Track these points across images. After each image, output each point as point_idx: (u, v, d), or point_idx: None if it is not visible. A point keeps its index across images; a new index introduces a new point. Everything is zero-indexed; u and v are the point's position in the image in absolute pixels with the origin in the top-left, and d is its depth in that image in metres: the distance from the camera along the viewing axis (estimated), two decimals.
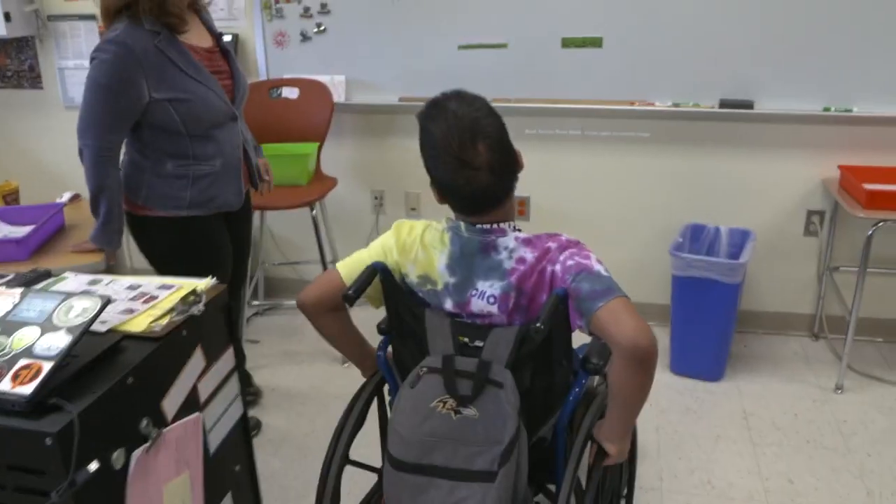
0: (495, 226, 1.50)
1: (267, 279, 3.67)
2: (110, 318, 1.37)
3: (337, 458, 1.57)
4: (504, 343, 1.42)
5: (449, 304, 1.51)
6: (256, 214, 3.16)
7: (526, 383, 1.45)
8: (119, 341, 1.31)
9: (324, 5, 3.14)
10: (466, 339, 1.47)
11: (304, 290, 1.65)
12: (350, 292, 1.50)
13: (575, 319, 1.43)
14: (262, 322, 3.51)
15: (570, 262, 1.43)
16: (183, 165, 2.15)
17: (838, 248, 3.10)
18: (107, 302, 1.28)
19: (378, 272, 1.55)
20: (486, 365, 1.40)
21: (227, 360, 1.57)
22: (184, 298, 1.43)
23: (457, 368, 1.40)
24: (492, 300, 1.47)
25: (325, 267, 3.05)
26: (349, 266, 1.61)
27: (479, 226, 1.50)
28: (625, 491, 1.88)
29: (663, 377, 2.93)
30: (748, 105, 2.92)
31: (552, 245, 1.47)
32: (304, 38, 3.21)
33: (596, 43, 2.94)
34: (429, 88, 3.10)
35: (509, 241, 1.49)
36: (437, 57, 3.06)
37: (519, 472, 1.38)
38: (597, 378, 1.69)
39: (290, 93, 3.15)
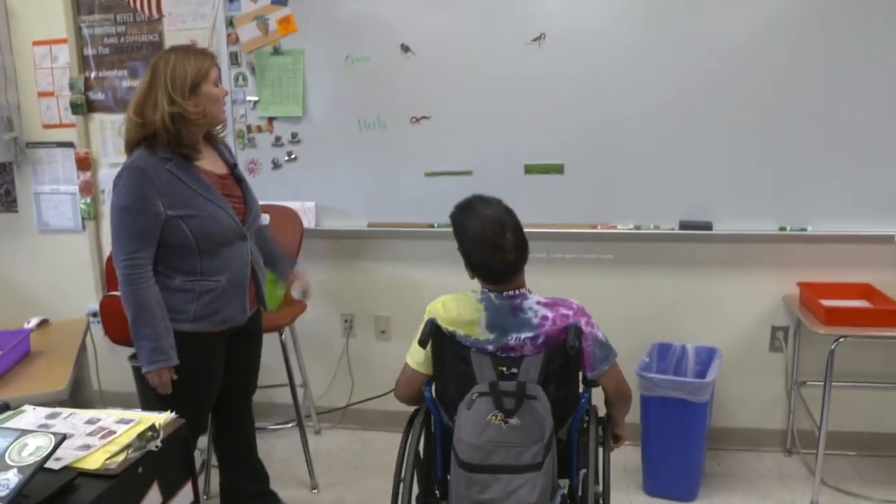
0: (517, 291, 1.99)
1: None
2: (66, 455, 1.36)
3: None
4: (534, 367, 1.90)
5: (490, 348, 1.96)
6: None
7: (552, 395, 1.89)
8: (73, 480, 1.30)
9: (294, 135, 3.25)
10: (504, 368, 1.92)
11: (396, 389, 2.16)
12: (423, 338, 1.97)
13: (587, 369, 2.00)
14: None
15: (588, 329, 1.97)
16: (190, 280, 2.24)
17: (804, 363, 3.14)
18: (61, 440, 1.28)
19: (434, 325, 1.99)
20: (523, 385, 1.86)
21: (185, 495, 1.55)
22: (141, 434, 1.43)
23: (501, 390, 1.86)
24: (525, 340, 1.94)
25: (293, 390, 3.04)
26: (413, 354, 2.07)
27: (505, 293, 1.98)
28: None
29: (637, 499, 2.89)
30: (707, 226, 3.01)
31: (569, 312, 1.97)
32: (276, 165, 3.30)
33: (558, 169, 3.05)
34: (397, 214, 3.21)
35: (531, 302, 1.98)
36: (405, 184, 3.15)
37: (554, 463, 1.88)
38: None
39: (262, 219, 3.20)
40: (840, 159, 2.88)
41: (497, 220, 1.94)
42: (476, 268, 2.00)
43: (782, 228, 2.98)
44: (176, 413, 2.10)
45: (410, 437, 2.05)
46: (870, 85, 2.81)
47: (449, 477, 1.97)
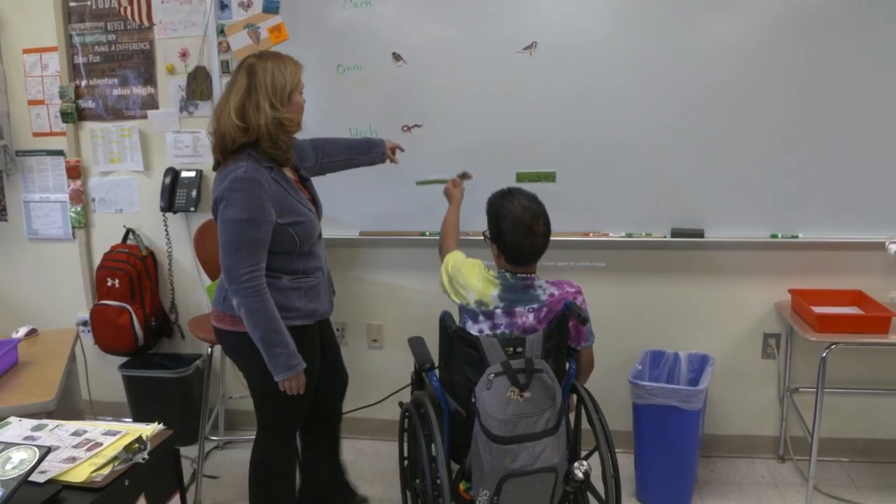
0: (530, 276, 2.29)
1: (228, 412, 3.60)
2: (51, 468, 1.35)
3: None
4: (537, 344, 2.16)
5: (499, 314, 2.25)
6: (217, 347, 3.15)
7: (552, 366, 2.15)
8: (58, 493, 1.29)
9: None
10: (511, 349, 2.14)
11: (446, 251, 2.53)
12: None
13: (580, 341, 2.34)
14: (221, 456, 3.42)
15: (584, 307, 2.28)
16: (296, 279, 2.33)
17: (796, 370, 3.14)
18: (46, 453, 1.27)
19: (442, 319, 2.28)
20: (530, 361, 2.11)
21: None
22: (128, 446, 1.42)
23: (514, 368, 2.08)
24: (531, 311, 2.24)
25: None
26: (458, 259, 2.41)
27: (519, 275, 2.27)
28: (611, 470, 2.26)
29: None
30: (699, 234, 3.01)
31: (571, 289, 2.29)
32: None
33: (549, 177, 3.05)
34: (389, 223, 3.21)
35: (541, 283, 2.28)
36: (396, 192, 3.14)
37: (567, 424, 2.23)
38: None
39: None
40: (831, 167, 2.89)
41: (534, 209, 2.26)
42: (507, 246, 2.25)
43: (774, 236, 2.99)
44: (287, 410, 2.41)
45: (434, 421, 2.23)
46: (859, 94, 2.82)
47: (465, 459, 2.19)
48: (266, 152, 2.24)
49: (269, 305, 2.21)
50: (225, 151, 2.26)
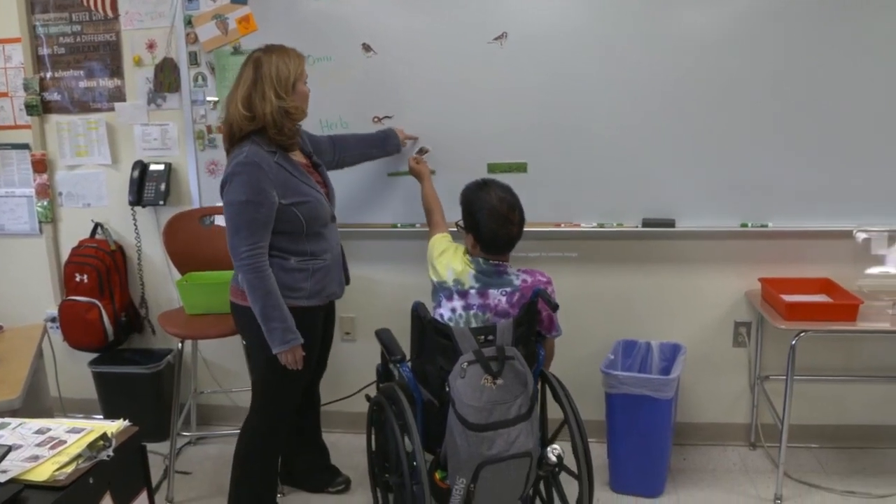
0: (503, 263, 2.37)
1: (200, 407, 3.57)
2: (12, 467, 1.32)
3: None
4: (507, 331, 2.22)
5: (473, 294, 2.33)
6: (188, 343, 3.12)
7: (522, 352, 2.20)
8: (20, 492, 1.26)
9: None
10: (482, 337, 2.20)
11: (433, 227, 2.72)
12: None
13: (551, 330, 2.43)
14: (194, 452, 3.39)
15: (553, 297, 2.32)
16: (303, 260, 2.45)
17: (767, 358, 3.17)
18: (6, 452, 1.24)
19: (415, 309, 2.33)
20: (502, 348, 2.16)
21: None
22: (92, 444, 1.39)
23: (486, 356, 2.13)
24: (504, 294, 2.32)
25: None
26: (443, 240, 2.53)
27: (492, 262, 2.35)
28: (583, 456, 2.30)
29: (603, 496, 2.90)
30: (670, 223, 3.03)
31: (542, 279, 2.38)
32: None
33: (521, 168, 3.05)
34: (360, 215, 3.19)
35: (513, 270, 2.37)
36: (368, 184, 3.12)
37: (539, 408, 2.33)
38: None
39: (222, 221, 3.15)
40: (800, 156, 2.91)
41: (510, 199, 2.34)
42: (483, 236, 2.32)
43: (744, 225, 3.01)
44: (284, 390, 2.50)
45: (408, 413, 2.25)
46: (829, 84, 2.84)
47: (440, 449, 2.21)
48: (272, 139, 2.38)
49: (268, 282, 2.33)
50: (233, 139, 2.41)
